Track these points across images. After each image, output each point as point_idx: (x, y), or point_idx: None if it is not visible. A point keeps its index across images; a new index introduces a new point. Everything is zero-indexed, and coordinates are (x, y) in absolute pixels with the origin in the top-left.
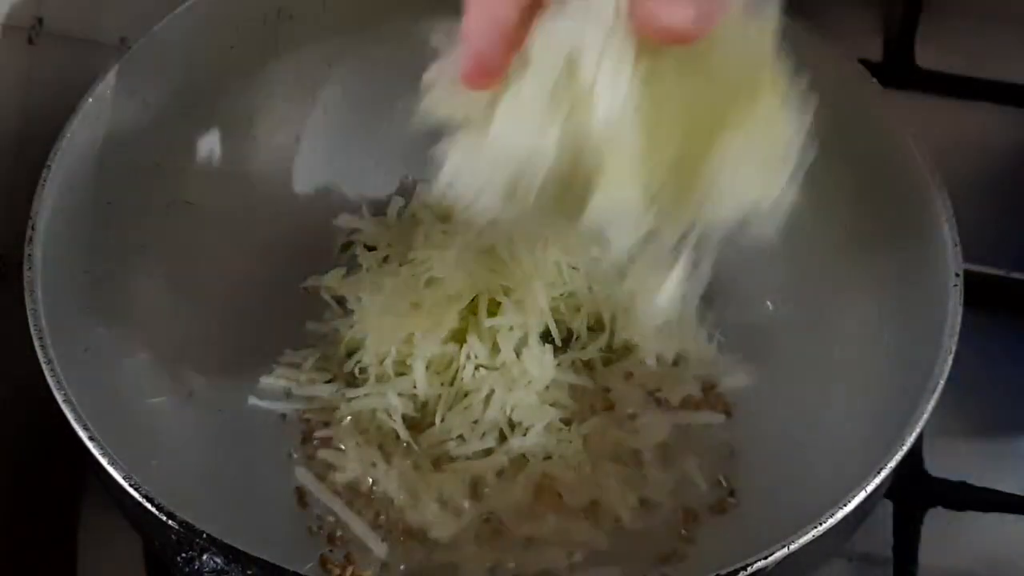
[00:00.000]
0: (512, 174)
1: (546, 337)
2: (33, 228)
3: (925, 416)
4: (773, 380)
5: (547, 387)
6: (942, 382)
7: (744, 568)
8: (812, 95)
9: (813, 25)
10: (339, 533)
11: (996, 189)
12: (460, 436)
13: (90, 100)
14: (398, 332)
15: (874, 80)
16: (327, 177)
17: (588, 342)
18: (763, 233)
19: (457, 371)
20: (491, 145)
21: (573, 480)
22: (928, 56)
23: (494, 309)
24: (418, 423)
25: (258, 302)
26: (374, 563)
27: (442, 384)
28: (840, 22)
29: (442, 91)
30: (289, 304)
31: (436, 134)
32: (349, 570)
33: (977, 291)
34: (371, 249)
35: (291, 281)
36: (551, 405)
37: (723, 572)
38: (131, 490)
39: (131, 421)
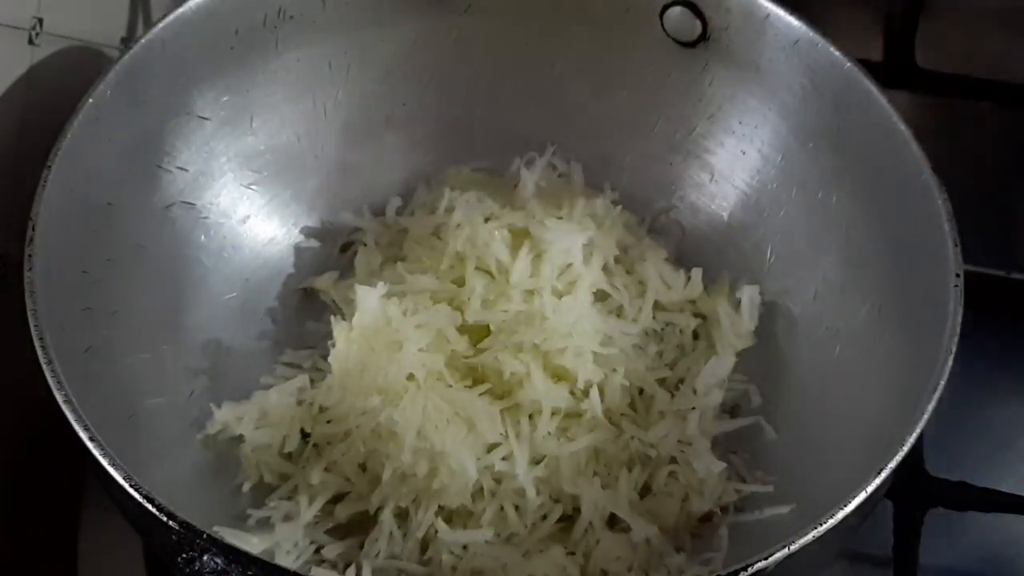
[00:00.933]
0: None
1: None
2: (33, 228)
3: (925, 416)
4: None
5: None
6: (942, 382)
7: (745, 568)
8: (813, 95)
9: (813, 25)
10: None
11: (996, 189)
12: None
13: (90, 100)
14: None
15: (874, 80)
16: (327, 177)
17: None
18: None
19: None
20: None
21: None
22: (928, 56)
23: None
24: None
25: (258, 302)
26: None
27: None
28: (840, 22)
29: None
30: (289, 304)
31: (434, 134)
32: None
33: (977, 291)
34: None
35: (290, 281)
36: None
37: (723, 572)
38: (131, 491)
39: (131, 421)
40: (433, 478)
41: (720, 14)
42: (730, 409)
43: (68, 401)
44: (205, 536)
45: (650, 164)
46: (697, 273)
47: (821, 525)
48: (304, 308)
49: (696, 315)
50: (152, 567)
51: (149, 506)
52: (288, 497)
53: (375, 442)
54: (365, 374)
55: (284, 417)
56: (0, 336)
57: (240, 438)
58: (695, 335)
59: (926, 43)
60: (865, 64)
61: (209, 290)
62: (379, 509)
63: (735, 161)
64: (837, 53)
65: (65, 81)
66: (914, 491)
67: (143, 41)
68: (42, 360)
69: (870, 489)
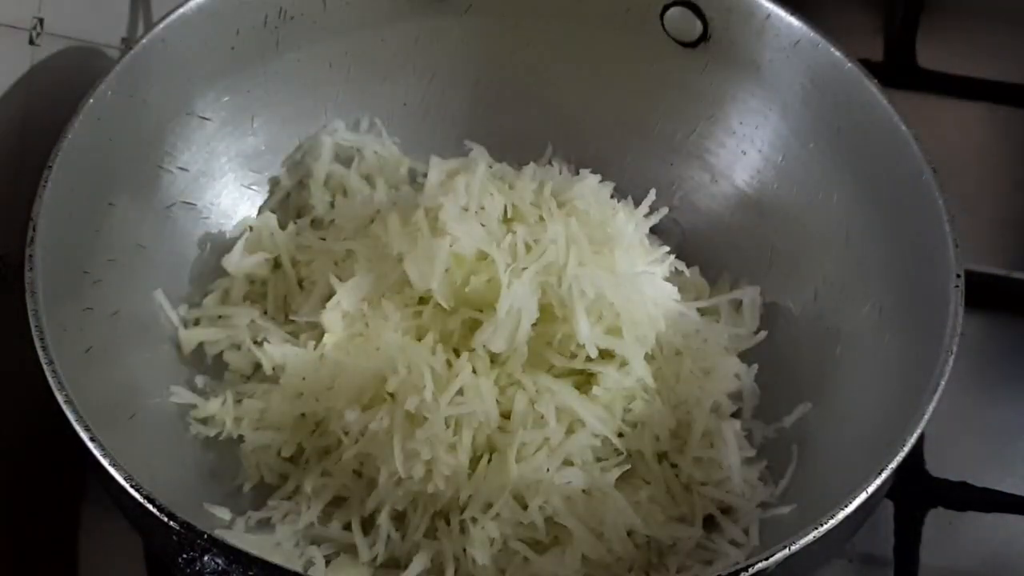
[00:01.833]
0: None
1: None
2: (34, 229)
3: (926, 416)
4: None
5: None
6: (942, 382)
7: (745, 568)
8: (813, 95)
9: (814, 25)
10: None
11: (996, 189)
12: None
13: (91, 100)
14: None
15: (875, 80)
16: None
17: None
18: None
19: None
20: None
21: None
22: (928, 56)
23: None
24: None
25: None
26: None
27: None
28: (840, 22)
29: None
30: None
31: (434, 134)
32: None
33: (977, 291)
34: None
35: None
36: None
37: (724, 572)
38: (132, 491)
39: (131, 421)
40: (428, 482)
41: (720, 14)
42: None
43: (68, 401)
44: (206, 536)
45: (650, 164)
46: (695, 272)
47: (821, 525)
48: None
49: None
50: (152, 567)
51: (149, 506)
52: (288, 497)
53: (369, 446)
54: (339, 385)
55: (285, 418)
56: (0, 336)
57: (240, 439)
58: None
59: (926, 43)
60: (865, 64)
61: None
62: (376, 512)
63: (735, 161)
64: (838, 53)
65: (65, 81)
66: (914, 491)
67: (143, 41)
68: (42, 360)
69: (871, 489)
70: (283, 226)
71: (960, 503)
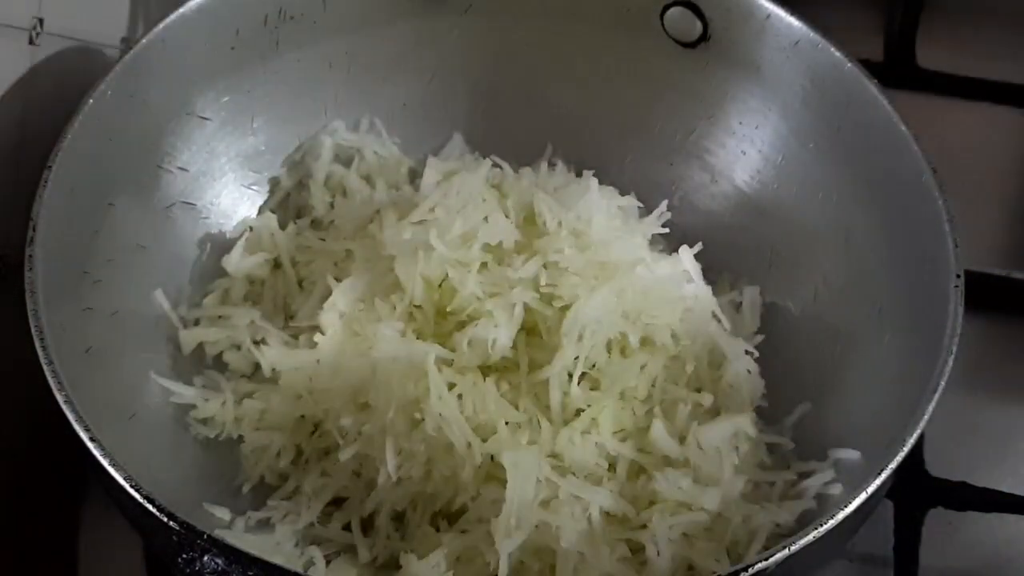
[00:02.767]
0: None
1: None
2: (34, 229)
3: (926, 416)
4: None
5: None
6: (942, 382)
7: (745, 569)
8: (813, 95)
9: (813, 25)
10: None
11: (996, 189)
12: None
13: (91, 100)
14: None
15: (875, 80)
16: None
17: None
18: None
19: None
20: None
21: None
22: (928, 56)
23: None
24: None
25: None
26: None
27: None
28: (840, 22)
29: None
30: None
31: (434, 134)
32: None
33: (977, 291)
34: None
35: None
36: None
37: (724, 572)
38: (132, 491)
39: (131, 421)
40: (428, 481)
41: (720, 14)
42: None
43: (68, 401)
44: (206, 536)
45: (650, 164)
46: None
47: (821, 525)
48: None
49: None
50: (152, 567)
51: (149, 506)
52: (288, 498)
53: (366, 447)
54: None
55: (284, 419)
56: (0, 336)
57: (240, 439)
58: None
59: (926, 43)
60: (865, 64)
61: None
62: (376, 513)
63: (735, 161)
64: (838, 53)
65: (65, 81)
66: (914, 491)
67: (143, 41)
68: (42, 360)
69: (871, 489)
70: (283, 226)
71: (960, 503)
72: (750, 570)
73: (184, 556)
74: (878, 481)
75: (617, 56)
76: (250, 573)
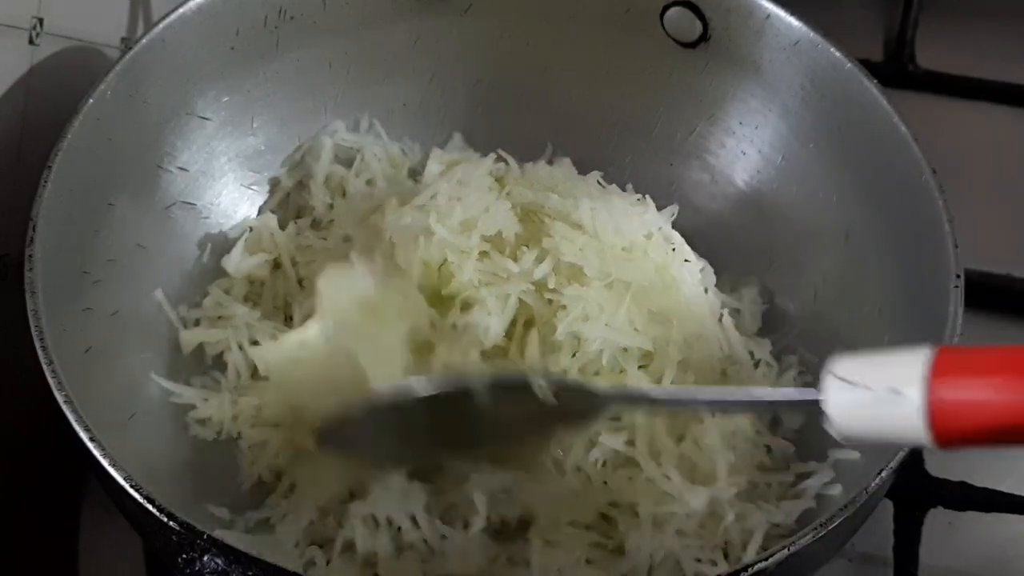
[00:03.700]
0: None
1: None
2: (33, 229)
3: None
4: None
5: None
6: None
7: (745, 569)
8: (813, 95)
9: (813, 26)
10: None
11: (996, 189)
12: None
13: (90, 100)
14: None
15: (875, 80)
16: None
17: None
18: None
19: None
20: None
21: None
22: (928, 56)
23: None
24: None
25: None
26: None
27: None
28: (840, 22)
29: None
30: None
31: (434, 134)
32: None
33: (977, 291)
34: None
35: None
36: None
37: (724, 572)
38: (132, 491)
39: (131, 421)
40: None
41: (720, 14)
42: None
43: (68, 401)
44: (205, 537)
45: (650, 164)
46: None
47: (821, 525)
48: None
49: None
50: (152, 567)
51: (149, 506)
52: (286, 495)
53: None
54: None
55: (279, 415)
56: (0, 336)
57: (239, 437)
58: None
59: (926, 43)
60: (865, 64)
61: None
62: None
63: (735, 161)
64: (837, 54)
65: (65, 81)
66: (914, 491)
67: (143, 41)
68: (42, 360)
69: (871, 489)
70: (283, 226)
71: (960, 503)
72: (750, 570)
73: (184, 556)
74: (878, 481)
75: (617, 56)
76: (250, 573)
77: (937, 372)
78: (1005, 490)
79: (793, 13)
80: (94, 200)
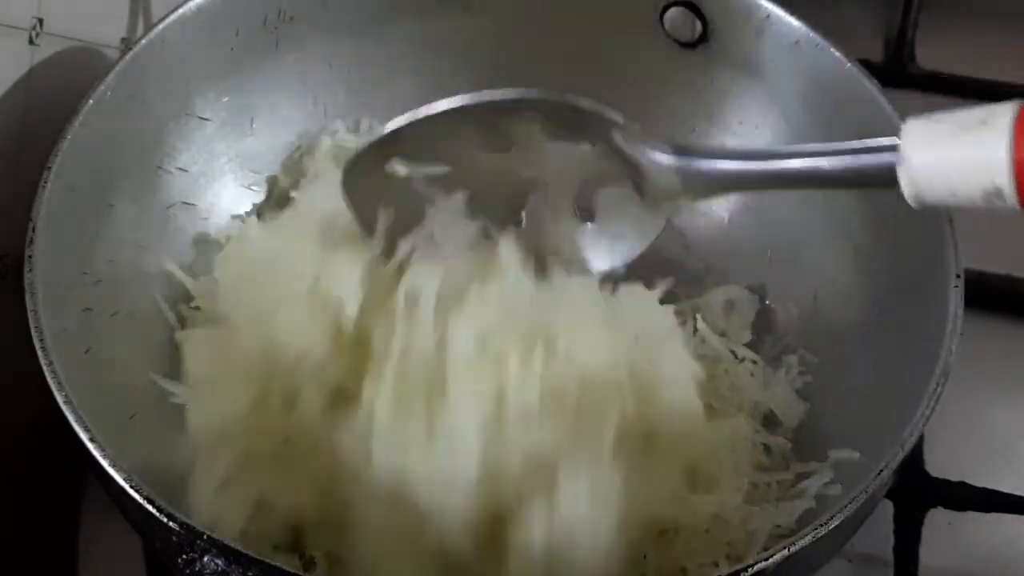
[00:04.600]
0: None
1: None
2: (33, 229)
3: (926, 416)
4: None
5: None
6: (943, 382)
7: (745, 569)
8: (813, 95)
9: (813, 25)
10: None
11: None
12: None
13: (91, 101)
14: None
15: (875, 80)
16: None
17: None
18: None
19: None
20: None
21: None
22: (928, 56)
23: None
24: None
25: None
26: None
27: None
28: (840, 22)
29: None
30: None
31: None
32: None
33: (977, 291)
34: None
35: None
36: None
37: (724, 572)
38: (131, 491)
39: (131, 421)
40: None
41: (720, 14)
42: None
43: (68, 401)
44: (206, 536)
45: None
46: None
47: (821, 525)
48: None
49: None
50: (152, 567)
51: (149, 506)
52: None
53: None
54: None
55: None
56: (0, 336)
57: None
58: None
59: (926, 43)
60: (865, 64)
61: None
62: None
63: None
64: (837, 54)
65: (65, 81)
66: (914, 491)
67: (143, 41)
68: (42, 360)
69: (870, 489)
70: None
71: (960, 503)
72: (750, 570)
73: (184, 556)
74: (878, 481)
75: (617, 56)
76: (250, 573)
77: None
78: (1005, 490)
79: (793, 13)
80: (94, 200)
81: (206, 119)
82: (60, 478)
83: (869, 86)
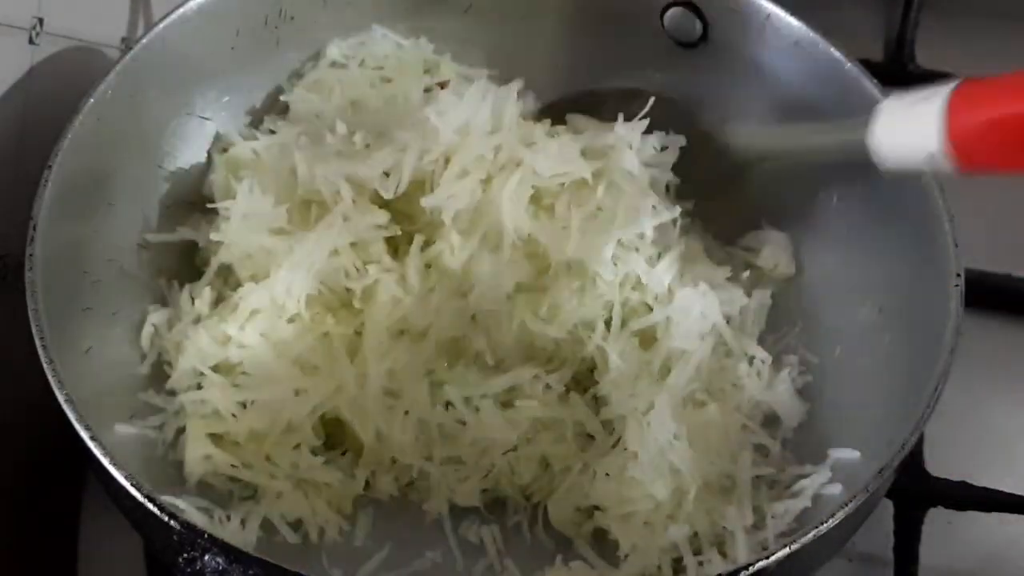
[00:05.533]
0: None
1: None
2: (34, 229)
3: (925, 416)
4: None
5: None
6: (943, 382)
7: (745, 568)
8: (813, 95)
9: (813, 25)
10: None
11: (996, 189)
12: None
13: (91, 100)
14: None
15: (875, 80)
16: None
17: None
18: None
19: None
20: None
21: None
22: (928, 56)
23: None
24: None
25: None
26: None
27: None
28: (840, 22)
29: None
30: None
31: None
32: None
33: (977, 291)
34: None
35: None
36: None
37: (724, 572)
38: (132, 490)
39: (132, 422)
40: None
41: (720, 14)
42: None
43: (68, 401)
44: (206, 536)
45: None
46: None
47: (821, 525)
48: None
49: None
50: (152, 567)
51: (150, 506)
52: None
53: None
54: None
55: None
56: (0, 336)
57: None
58: None
59: (926, 43)
60: (865, 64)
61: None
62: None
63: None
64: (837, 53)
65: (65, 81)
66: (914, 491)
67: (143, 41)
68: (42, 360)
69: (870, 489)
70: None
71: (960, 503)
72: (750, 569)
73: (184, 556)
74: (878, 481)
75: (617, 56)
76: (250, 573)
77: (961, 89)
78: (1005, 490)
79: (793, 13)
80: (94, 200)
81: (206, 118)
82: (60, 478)
83: (869, 86)
